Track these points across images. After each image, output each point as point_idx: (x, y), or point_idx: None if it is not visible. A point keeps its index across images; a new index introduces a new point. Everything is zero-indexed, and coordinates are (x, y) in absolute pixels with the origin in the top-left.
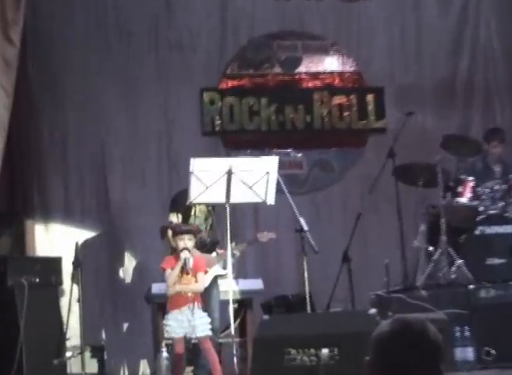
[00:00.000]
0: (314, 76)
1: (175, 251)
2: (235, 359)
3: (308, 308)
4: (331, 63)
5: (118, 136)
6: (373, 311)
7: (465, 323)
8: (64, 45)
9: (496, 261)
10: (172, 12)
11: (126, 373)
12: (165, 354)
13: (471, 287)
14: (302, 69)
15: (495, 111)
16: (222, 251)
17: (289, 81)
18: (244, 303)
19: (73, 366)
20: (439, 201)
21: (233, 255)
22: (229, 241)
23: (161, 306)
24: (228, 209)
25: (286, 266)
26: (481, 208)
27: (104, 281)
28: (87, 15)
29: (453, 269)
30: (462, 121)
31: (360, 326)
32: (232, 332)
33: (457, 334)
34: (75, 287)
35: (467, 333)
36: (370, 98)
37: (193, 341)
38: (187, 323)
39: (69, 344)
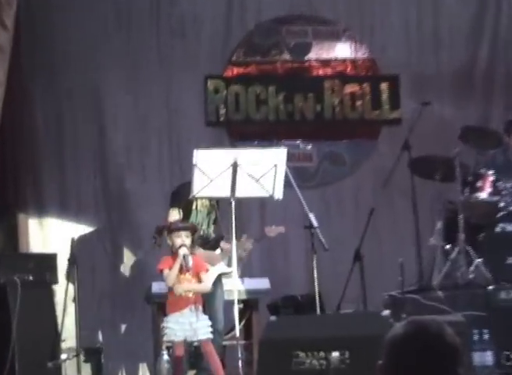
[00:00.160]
0: (325, 63)
1: (173, 252)
2: (240, 363)
3: (318, 309)
4: (343, 50)
5: (117, 126)
6: (386, 312)
7: (484, 325)
8: (60, 30)
9: None
10: None
11: None
12: (165, 357)
13: (491, 287)
14: (312, 55)
15: None
16: (226, 245)
17: (299, 69)
18: (250, 304)
19: (68, 369)
20: (457, 197)
21: (240, 259)
22: (234, 238)
23: (162, 306)
24: (233, 204)
25: (294, 264)
26: (501, 204)
27: (102, 279)
28: None
29: (472, 268)
30: (482, 112)
31: (373, 329)
32: (237, 334)
33: (476, 338)
34: (70, 285)
35: (485, 337)
36: (384, 86)
37: (194, 344)
38: (189, 326)
39: (64, 345)
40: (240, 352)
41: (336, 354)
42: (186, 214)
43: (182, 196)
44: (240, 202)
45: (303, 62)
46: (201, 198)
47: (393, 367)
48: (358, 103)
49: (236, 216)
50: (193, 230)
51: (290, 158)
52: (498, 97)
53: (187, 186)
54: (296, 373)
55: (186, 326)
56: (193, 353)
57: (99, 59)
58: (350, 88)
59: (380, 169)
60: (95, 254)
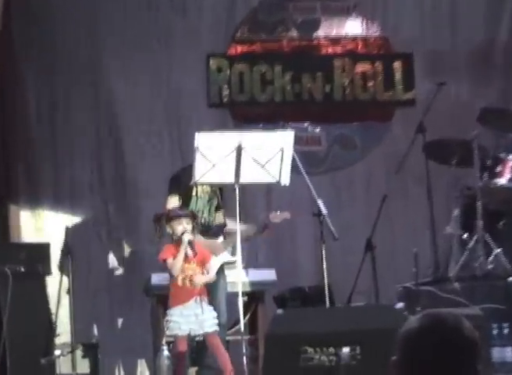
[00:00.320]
0: (335, 40)
1: (174, 240)
2: (244, 359)
3: (327, 301)
4: (353, 26)
5: (113, 109)
6: (400, 305)
7: (504, 319)
8: (53, 4)
9: None
10: None
11: (122, 374)
12: (166, 353)
13: (511, 279)
14: (321, 33)
15: None
16: (227, 228)
17: (307, 47)
18: (255, 296)
19: (63, 365)
20: (475, 182)
21: (247, 238)
22: (238, 226)
23: (162, 299)
24: (237, 191)
25: (302, 254)
26: None
27: (98, 271)
28: None
29: (491, 258)
30: (501, 92)
31: (386, 323)
32: (242, 328)
33: (495, 332)
34: (64, 277)
35: (505, 331)
36: (397, 65)
37: (197, 339)
38: (194, 318)
39: (58, 341)
40: (244, 348)
41: (346, 349)
42: (186, 201)
43: (182, 182)
44: (245, 189)
45: (311, 39)
46: (203, 184)
47: (408, 363)
48: (370, 83)
49: (241, 203)
50: (193, 217)
51: (298, 141)
52: None
53: (187, 171)
54: (304, 369)
55: (192, 318)
56: (195, 348)
57: (93, 35)
58: (361, 67)
59: (393, 153)
60: (90, 244)
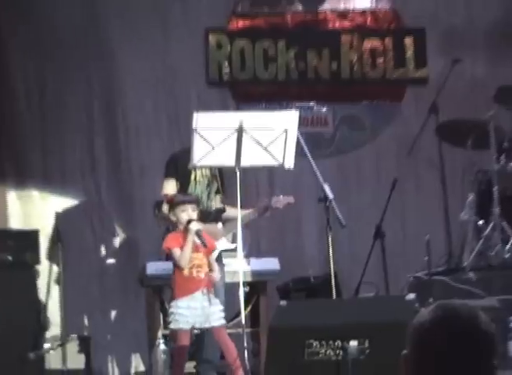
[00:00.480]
0: (342, 14)
1: (174, 229)
2: (246, 353)
3: (333, 292)
4: None
5: (105, 86)
6: (411, 296)
7: None
8: None
9: None
10: None
11: (116, 370)
12: (162, 347)
13: None
14: (327, 6)
15: None
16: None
17: (312, 21)
18: (257, 286)
19: (52, 360)
20: (491, 166)
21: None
22: (239, 211)
23: (158, 289)
24: (238, 174)
25: (307, 242)
26: None
27: (89, 259)
28: None
29: (508, 247)
30: None
31: (396, 315)
32: (243, 321)
33: None
34: (54, 266)
35: None
36: (409, 41)
37: (195, 332)
38: (201, 311)
39: (47, 334)
40: (245, 342)
41: (354, 343)
42: (184, 185)
43: (179, 165)
44: (246, 172)
45: (316, 13)
46: (202, 167)
47: (419, 358)
48: (379, 60)
49: (242, 187)
50: (198, 202)
51: (303, 122)
52: None
53: (185, 153)
54: (309, 364)
55: (198, 311)
56: (194, 342)
57: (90, 15)
58: (370, 43)
59: (404, 134)
60: (82, 231)
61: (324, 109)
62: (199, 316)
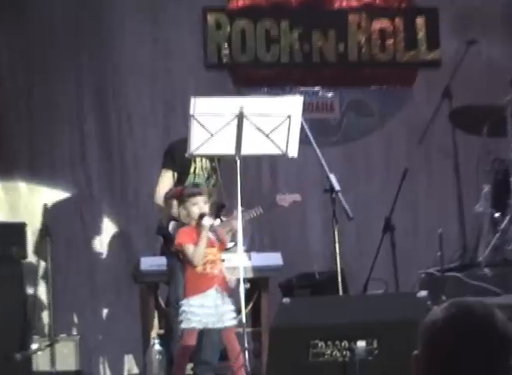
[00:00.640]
0: None
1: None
2: (246, 354)
3: (340, 289)
4: None
5: (96, 69)
6: (423, 294)
7: None
8: None
9: None
10: None
11: (107, 372)
12: (157, 347)
13: None
14: None
15: None
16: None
17: (317, 0)
18: (258, 283)
19: (40, 361)
20: (509, 155)
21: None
22: (239, 204)
23: (153, 286)
24: (239, 163)
25: (311, 235)
26: None
27: (79, 255)
28: None
29: None
30: None
31: (407, 313)
32: (244, 320)
33: None
34: (42, 261)
35: None
36: (420, 21)
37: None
38: (214, 310)
39: (34, 333)
40: (246, 342)
41: (361, 343)
42: (182, 177)
43: (176, 155)
44: (247, 161)
45: None
46: (200, 155)
47: (431, 358)
48: (389, 42)
49: (242, 177)
50: (210, 194)
51: (307, 107)
52: None
53: (183, 143)
54: (313, 365)
55: (212, 310)
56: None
57: None
58: (380, 24)
59: (415, 121)
60: (72, 224)
61: (330, 94)
62: (212, 315)
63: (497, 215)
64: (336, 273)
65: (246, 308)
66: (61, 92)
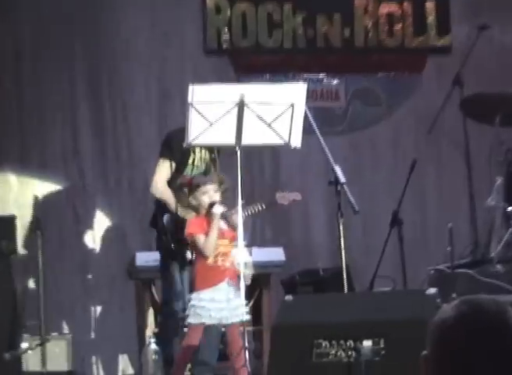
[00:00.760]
0: None
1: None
2: (247, 354)
3: (345, 286)
4: None
5: (89, 57)
6: (432, 291)
7: None
8: None
9: None
10: None
11: (101, 372)
12: (153, 346)
13: None
14: None
15: None
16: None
17: None
18: (260, 279)
19: (31, 361)
20: None
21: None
22: (239, 197)
23: (149, 282)
24: (239, 154)
25: (315, 230)
26: None
27: (72, 249)
28: None
29: None
30: None
31: (415, 311)
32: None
33: None
34: (32, 256)
35: None
36: (430, 5)
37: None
38: (226, 304)
39: (24, 332)
40: (247, 341)
41: (367, 343)
42: (180, 168)
43: (173, 145)
44: (248, 152)
45: None
46: (199, 146)
47: (441, 358)
48: (397, 27)
49: (243, 168)
50: (221, 182)
51: (311, 95)
52: None
53: (181, 132)
54: (317, 366)
55: (223, 304)
56: None
57: None
58: (387, 8)
59: (424, 110)
60: (64, 217)
61: (335, 82)
62: (224, 310)
63: (510, 209)
64: (340, 270)
65: (247, 305)
66: (54, 80)
